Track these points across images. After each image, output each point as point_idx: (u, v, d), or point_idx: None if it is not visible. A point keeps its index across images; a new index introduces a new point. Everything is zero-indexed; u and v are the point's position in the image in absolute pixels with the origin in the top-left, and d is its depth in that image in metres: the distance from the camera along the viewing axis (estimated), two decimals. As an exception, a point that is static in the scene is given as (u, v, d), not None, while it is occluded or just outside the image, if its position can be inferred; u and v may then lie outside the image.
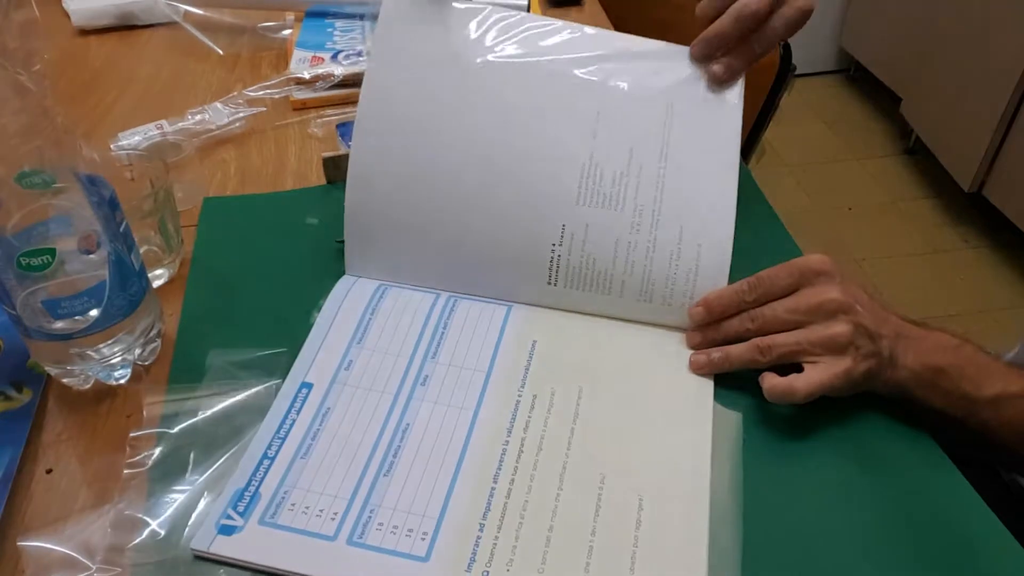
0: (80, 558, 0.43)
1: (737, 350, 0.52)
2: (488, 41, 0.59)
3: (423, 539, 0.44)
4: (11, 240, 0.45)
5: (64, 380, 0.52)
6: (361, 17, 0.93)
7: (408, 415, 0.51)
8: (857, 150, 2.13)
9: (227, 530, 0.45)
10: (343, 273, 0.60)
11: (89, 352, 0.50)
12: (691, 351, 0.54)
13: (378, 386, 0.53)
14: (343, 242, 0.60)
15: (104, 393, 0.52)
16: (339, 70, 0.83)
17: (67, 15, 0.95)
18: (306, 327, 0.56)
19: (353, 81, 0.82)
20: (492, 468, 0.48)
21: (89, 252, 0.47)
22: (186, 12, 0.93)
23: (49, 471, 0.48)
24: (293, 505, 0.46)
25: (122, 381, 0.52)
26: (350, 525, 0.45)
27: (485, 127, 0.57)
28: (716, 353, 0.53)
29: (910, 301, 1.69)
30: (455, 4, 0.60)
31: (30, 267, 0.45)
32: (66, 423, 0.51)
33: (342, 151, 0.71)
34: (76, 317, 0.48)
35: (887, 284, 1.73)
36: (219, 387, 0.52)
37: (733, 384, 0.53)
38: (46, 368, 0.52)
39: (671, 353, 0.55)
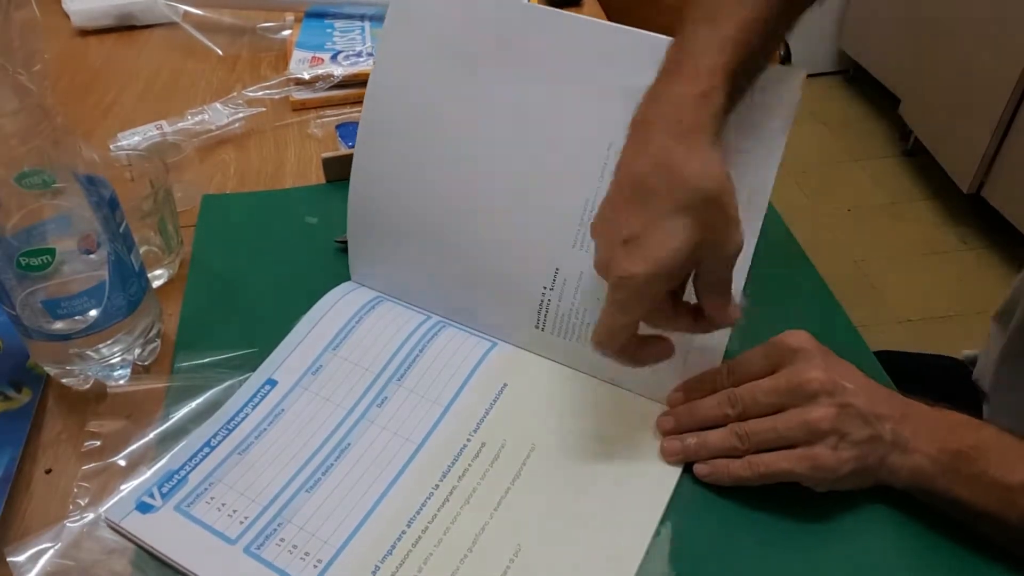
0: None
1: (714, 435, 0.47)
2: (507, 40, 0.52)
3: (315, 566, 0.43)
4: (11, 240, 0.45)
5: (64, 380, 0.52)
6: (361, 17, 0.93)
7: (353, 434, 0.49)
8: (856, 151, 2.13)
9: (144, 507, 0.45)
10: (342, 272, 0.60)
11: (88, 352, 0.50)
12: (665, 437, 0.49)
13: (336, 398, 0.51)
14: (342, 242, 0.60)
15: (104, 393, 0.52)
16: (339, 71, 0.83)
17: (67, 15, 0.95)
18: (302, 326, 0.56)
19: (352, 82, 0.82)
20: (410, 512, 0.45)
21: (89, 252, 0.47)
22: (185, 12, 0.93)
23: (49, 471, 0.48)
24: (212, 499, 0.46)
25: (122, 381, 0.52)
26: (254, 533, 0.44)
27: (491, 148, 0.53)
28: (691, 438, 0.47)
29: (909, 302, 1.69)
30: None
31: (30, 267, 0.45)
32: (66, 423, 0.51)
33: (342, 151, 0.71)
34: (76, 317, 0.48)
35: (886, 285, 1.73)
36: (197, 379, 0.52)
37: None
38: (46, 368, 0.52)
39: (647, 428, 0.49)
